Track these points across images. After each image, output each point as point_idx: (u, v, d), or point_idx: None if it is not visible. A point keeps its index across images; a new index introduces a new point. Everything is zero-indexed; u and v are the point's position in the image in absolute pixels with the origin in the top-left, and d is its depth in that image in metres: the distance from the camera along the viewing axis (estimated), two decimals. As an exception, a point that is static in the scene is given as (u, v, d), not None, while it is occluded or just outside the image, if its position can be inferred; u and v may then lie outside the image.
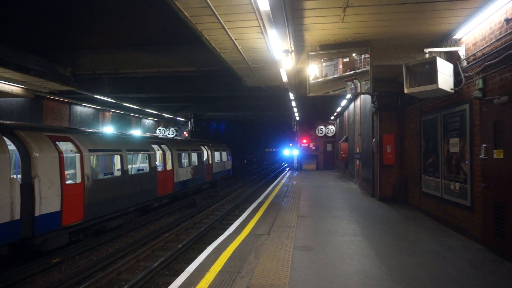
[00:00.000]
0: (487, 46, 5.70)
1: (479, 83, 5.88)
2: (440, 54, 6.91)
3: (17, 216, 6.82)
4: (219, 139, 31.14)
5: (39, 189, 7.30)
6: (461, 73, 6.54)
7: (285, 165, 51.92)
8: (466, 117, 6.47)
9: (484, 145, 5.75)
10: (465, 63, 6.49)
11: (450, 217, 7.31)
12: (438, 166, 7.82)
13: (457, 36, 6.68)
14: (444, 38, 7.09)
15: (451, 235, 6.77)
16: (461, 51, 6.61)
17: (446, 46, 7.00)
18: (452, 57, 6.88)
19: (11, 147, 7.27)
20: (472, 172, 6.33)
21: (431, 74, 6.36)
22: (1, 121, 7.66)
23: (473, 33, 6.25)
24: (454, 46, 6.80)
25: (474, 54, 6.16)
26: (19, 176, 7.59)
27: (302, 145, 27.74)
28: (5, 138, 7.04)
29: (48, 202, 7.52)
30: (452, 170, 7.14)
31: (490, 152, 5.61)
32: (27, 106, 18.45)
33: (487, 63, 5.68)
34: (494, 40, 5.50)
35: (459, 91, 6.67)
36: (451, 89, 6.55)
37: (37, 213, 7.22)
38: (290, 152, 53.04)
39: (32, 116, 18.75)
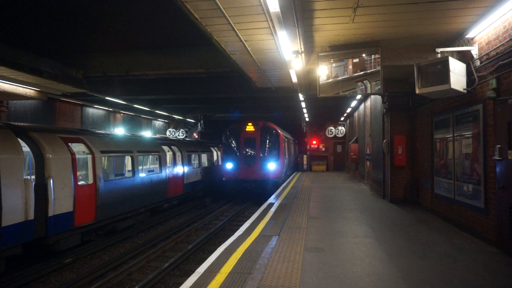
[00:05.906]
0: (501, 45, 5.61)
1: (493, 83, 5.78)
2: (452, 53, 6.82)
3: (31, 216, 6.95)
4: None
5: (52, 190, 7.42)
6: (474, 72, 6.44)
7: None
8: (480, 117, 6.37)
9: (498, 146, 5.64)
10: (478, 63, 6.39)
11: (463, 219, 7.19)
12: (450, 167, 7.70)
13: (469, 35, 6.58)
14: (456, 38, 7.00)
15: (464, 238, 6.67)
16: (474, 51, 6.51)
17: (458, 46, 6.91)
18: (464, 57, 6.77)
19: (25, 148, 7.42)
20: (485, 173, 6.22)
21: (443, 74, 6.28)
22: (16, 123, 7.82)
23: (486, 32, 6.15)
24: (467, 46, 6.70)
25: (487, 54, 6.06)
26: (33, 177, 7.73)
27: (312, 146, 27.63)
28: (19, 139, 7.18)
29: (61, 202, 7.64)
30: (465, 172, 7.03)
31: (505, 153, 5.50)
32: (40, 108, 18.79)
33: (501, 62, 5.58)
34: (508, 39, 5.40)
35: (472, 91, 6.57)
36: (464, 89, 6.45)
37: (50, 214, 7.35)
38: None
39: (45, 118, 19.08)
